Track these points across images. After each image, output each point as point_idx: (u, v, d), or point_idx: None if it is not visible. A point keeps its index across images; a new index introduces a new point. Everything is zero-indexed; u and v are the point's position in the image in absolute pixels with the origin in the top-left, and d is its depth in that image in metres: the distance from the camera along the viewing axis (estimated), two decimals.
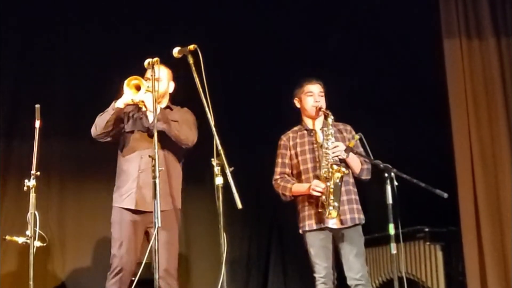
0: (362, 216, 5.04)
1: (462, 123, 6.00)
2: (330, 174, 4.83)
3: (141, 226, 4.89)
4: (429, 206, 5.49)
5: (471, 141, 5.97)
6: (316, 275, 4.96)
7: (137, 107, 4.97)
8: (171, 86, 5.14)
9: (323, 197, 4.84)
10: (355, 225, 4.99)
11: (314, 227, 4.95)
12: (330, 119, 4.97)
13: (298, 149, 5.10)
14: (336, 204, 4.80)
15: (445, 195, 4.48)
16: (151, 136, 4.74)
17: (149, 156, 4.24)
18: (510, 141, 5.90)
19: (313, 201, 4.94)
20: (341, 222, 4.94)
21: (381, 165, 4.69)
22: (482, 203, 5.88)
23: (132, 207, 4.85)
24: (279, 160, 5.20)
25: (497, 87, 6.00)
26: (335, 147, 4.92)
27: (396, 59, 7.28)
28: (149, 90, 4.68)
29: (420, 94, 7.12)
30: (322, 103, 5.10)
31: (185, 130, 4.93)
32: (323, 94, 5.15)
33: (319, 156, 5.00)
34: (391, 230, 4.46)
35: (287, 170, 5.16)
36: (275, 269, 7.71)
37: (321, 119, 5.14)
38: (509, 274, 5.69)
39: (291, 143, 5.17)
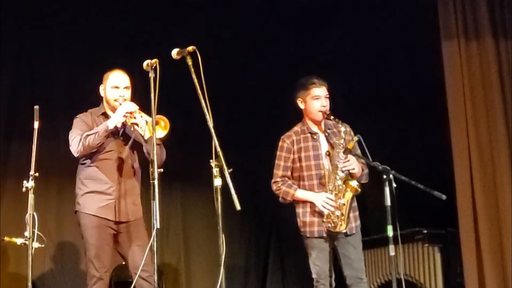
0: (358, 222, 5.04)
1: (460, 124, 6.00)
2: (343, 190, 4.85)
3: (113, 231, 4.90)
4: (428, 208, 5.50)
5: (469, 142, 5.97)
6: (315, 276, 4.96)
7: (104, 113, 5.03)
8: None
9: (334, 211, 4.86)
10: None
11: (316, 234, 4.95)
12: (343, 128, 4.96)
13: (303, 154, 5.05)
14: (346, 219, 4.84)
15: (444, 197, 4.48)
16: (122, 143, 4.92)
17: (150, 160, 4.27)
18: (509, 143, 5.90)
19: (317, 209, 4.93)
20: (349, 229, 4.94)
21: (380, 167, 4.70)
22: (480, 204, 5.87)
23: (111, 218, 4.85)
24: (281, 163, 5.13)
25: (495, 89, 5.99)
26: (347, 161, 4.91)
27: (394, 61, 7.28)
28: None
29: (418, 96, 7.12)
30: (328, 106, 5.06)
31: (162, 154, 4.94)
32: (328, 96, 5.11)
33: (323, 164, 4.98)
34: (390, 232, 4.47)
35: (288, 173, 5.12)
36: (274, 270, 7.72)
37: (324, 122, 5.12)
38: (507, 276, 5.69)
39: (295, 147, 5.09)
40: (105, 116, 4.99)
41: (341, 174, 4.88)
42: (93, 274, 4.77)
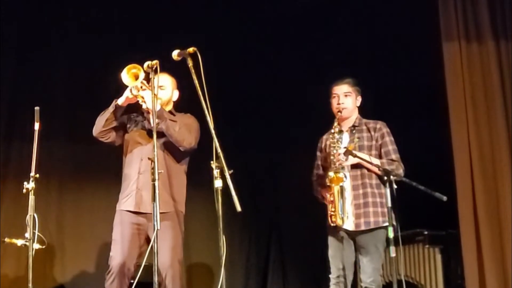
0: (380, 219, 4.93)
1: (461, 126, 6.00)
2: (330, 186, 4.87)
3: (143, 229, 4.88)
4: (428, 209, 5.49)
5: (470, 144, 5.96)
6: (330, 275, 5.00)
7: (140, 110, 4.97)
8: (175, 95, 5.14)
9: (329, 206, 4.90)
10: (373, 228, 4.95)
11: (331, 229, 4.99)
12: (335, 123, 5.03)
13: (327, 151, 5.12)
14: (340, 214, 4.82)
15: (444, 198, 4.48)
16: (152, 137, 4.78)
17: (148, 158, 4.25)
18: (509, 144, 5.89)
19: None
20: (355, 225, 4.94)
21: (380, 169, 4.70)
22: (481, 206, 5.87)
23: (132, 209, 4.86)
24: (316, 162, 5.29)
25: (496, 90, 5.99)
26: (338, 154, 4.91)
27: (395, 62, 7.28)
28: (147, 87, 4.72)
29: (419, 97, 7.12)
30: (347, 103, 5.14)
31: (183, 131, 4.90)
32: (350, 94, 5.17)
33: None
34: (390, 233, 4.47)
35: (320, 171, 5.21)
36: (274, 271, 7.71)
37: (352, 119, 5.18)
38: (508, 277, 5.68)
39: (323, 145, 5.22)
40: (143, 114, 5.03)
41: (333, 168, 4.89)
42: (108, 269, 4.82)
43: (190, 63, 4.22)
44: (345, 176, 4.88)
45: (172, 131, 4.84)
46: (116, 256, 4.80)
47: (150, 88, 4.61)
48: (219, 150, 4.03)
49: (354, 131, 5.10)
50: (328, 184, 4.88)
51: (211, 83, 4.13)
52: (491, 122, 5.97)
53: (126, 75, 4.68)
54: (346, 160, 4.90)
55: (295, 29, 7.65)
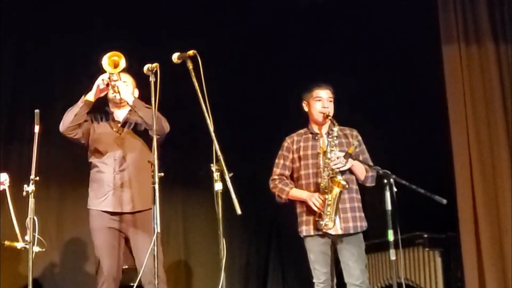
0: (364, 223, 5.02)
1: (460, 128, 6.01)
2: (329, 187, 4.83)
3: (122, 231, 4.90)
4: (428, 212, 5.49)
5: (469, 146, 5.97)
6: (315, 280, 4.96)
7: (105, 108, 5.03)
8: (136, 92, 5.14)
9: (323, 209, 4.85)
10: (357, 232, 4.98)
11: (312, 233, 4.95)
12: (336, 128, 4.94)
13: (301, 153, 5.08)
14: (333, 216, 4.81)
15: (444, 201, 4.47)
16: (121, 136, 4.94)
17: (148, 161, 4.26)
18: (509, 147, 5.90)
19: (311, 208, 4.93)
20: (344, 229, 4.92)
21: (380, 171, 4.69)
22: (481, 209, 5.87)
23: (110, 209, 4.86)
24: (280, 161, 5.18)
25: (496, 93, 6.00)
26: (337, 158, 4.90)
27: (394, 65, 7.28)
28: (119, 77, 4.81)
29: (418, 100, 7.12)
30: (331, 109, 5.07)
31: (160, 119, 4.86)
32: (332, 99, 5.11)
33: (320, 164, 4.97)
34: (390, 236, 4.45)
35: (287, 172, 5.15)
36: (274, 274, 7.71)
37: (327, 124, 5.09)
38: (508, 280, 5.69)
39: (294, 146, 5.14)
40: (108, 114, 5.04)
41: (330, 172, 4.86)
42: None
43: (190, 65, 4.22)
44: (347, 183, 4.86)
45: (151, 120, 4.78)
46: (106, 265, 4.81)
47: (120, 79, 4.77)
48: (219, 153, 4.03)
49: (334, 137, 5.03)
50: (331, 185, 4.84)
51: (211, 86, 4.13)
52: (491, 124, 5.98)
53: (106, 62, 4.70)
54: (346, 163, 4.88)
55: (296, 33, 7.66)
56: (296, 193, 5.04)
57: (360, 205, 5.05)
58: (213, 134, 4.07)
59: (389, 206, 4.47)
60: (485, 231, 5.84)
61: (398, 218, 4.44)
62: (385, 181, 4.52)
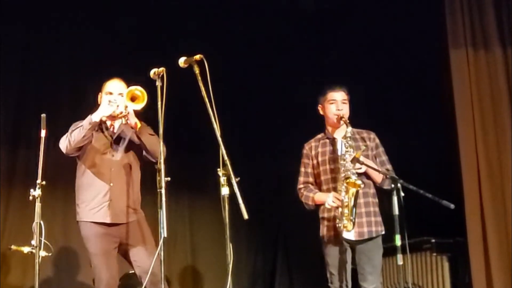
0: (381, 228, 4.97)
1: (468, 133, 5.99)
2: (346, 188, 4.81)
3: (115, 238, 4.88)
4: (436, 217, 5.48)
5: (477, 151, 5.96)
6: (330, 285, 4.96)
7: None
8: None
9: (339, 210, 4.81)
10: (374, 237, 4.94)
11: (332, 239, 4.93)
12: (349, 129, 4.92)
13: (320, 159, 5.07)
14: (351, 218, 4.78)
15: (452, 206, 4.45)
16: (116, 146, 4.94)
17: (156, 167, 4.25)
18: None
19: (332, 212, 4.91)
20: (358, 234, 4.91)
21: (388, 176, 4.68)
22: (488, 214, 5.86)
23: (108, 221, 4.84)
24: (302, 169, 5.17)
25: (503, 97, 5.99)
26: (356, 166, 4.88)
27: (402, 69, 7.28)
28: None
29: (426, 105, 7.11)
30: (345, 111, 5.05)
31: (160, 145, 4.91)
32: (346, 101, 5.09)
33: (340, 168, 4.92)
34: (398, 241, 4.44)
35: (310, 179, 5.13)
36: (281, 279, 7.71)
37: (343, 127, 5.04)
38: None
39: (313, 152, 5.12)
40: (100, 122, 4.96)
41: (348, 174, 4.83)
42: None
43: (196, 70, 4.21)
44: (363, 183, 4.83)
45: (153, 147, 4.84)
46: (105, 276, 4.79)
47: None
48: (225, 158, 4.02)
49: (348, 138, 5.02)
50: (346, 186, 4.82)
51: (218, 90, 4.12)
52: (498, 128, 5.96)
53: (127, 93, 4.72)
54: (354, 166, 4.85)
55: (302, 37, 7.66)
56: (319, 197, 5.01)
57: (377, 209, 5.01)
58: (220, 139, 4.06)
59: (396, 211, 4.46)
60: (493, 236, 5.82)
61: (405, 223, 4.43)
62: (393, 185, 4.51)
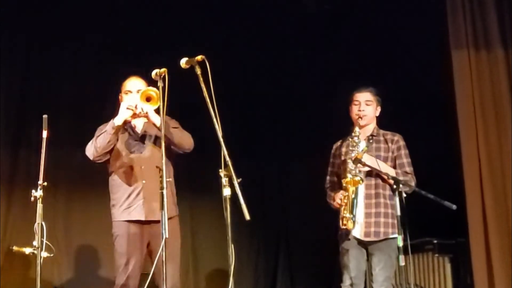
0: (390, 230, 4.91)
1: (470, 134, 5.99)
2: (345, 187, 4.83)
3: (145, 237, 4.89)
4: (438, 218, 5.47)
5: (479, 152, 5.95)
6: (341, 284, 4.98)
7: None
8: None
9: (342, 208, 4.85)
10: (385, 239, 4.92)
11: (344, 237, 4.96)
12: (357, 128, 4.98)
13: (343, 158, 5.09)
14: (349, 215, 4.78)
15: (454, 207, 4.45)
16: (142, 144, 4.93)
17: (156, 166, 4.24)
18: None
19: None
20: (365, 234, 4.92)
21: (390, 177, 4.68)
22: (490, 214, 5.85)
23: (142, 218, 4.83)
24: (329, 168, 5.26)
25: (505, 98, 5.98)
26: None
27: (404, 70, 7.27)
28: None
29: (428, 105, 7.10)
30: (367, 112, 5.10)
31: (186, 136, 4.95)
32: (371, 102, 5.14)
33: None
34: (400, 242, 4.45)
35: (335, 178, 5.18)
36: (283, 280, 7.70)
37: (369, 128, 5.13)
38: None
39: (337, 152, 5.18)
40: (124, 123, 4.93)
41: (353, 172, 4.84)
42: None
43: (198, 71, 4.21)
44: (362, 180, 4.83)
45: (179, 140, 4.87)
46: (126, 272, 4.80)
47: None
48: (227, 158, 4.01)
49: (371, 141, 5.06)
50: (344, 185, 4.83)
51: (219, 91, 4.12)
52: (500, 130, 5.96)
53: (140, 97, 4.70)
54: (356, 167, 4.86)
55: (305, 37, 7.65)
56: (338, 196, 5.02)
57: (390, 211, 4.95)
58: (221, 139, 4.06)
59: (398, 212, 4.47)
60: (495, 237, 5.81)
61: (407, 224, 4.43)
62: (395, 186, 4.51)
